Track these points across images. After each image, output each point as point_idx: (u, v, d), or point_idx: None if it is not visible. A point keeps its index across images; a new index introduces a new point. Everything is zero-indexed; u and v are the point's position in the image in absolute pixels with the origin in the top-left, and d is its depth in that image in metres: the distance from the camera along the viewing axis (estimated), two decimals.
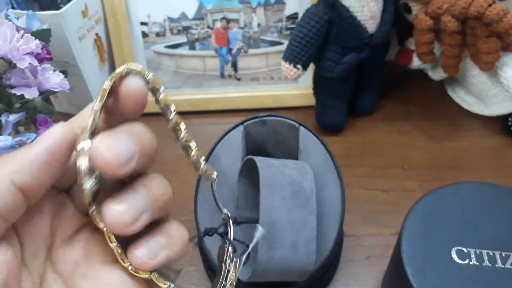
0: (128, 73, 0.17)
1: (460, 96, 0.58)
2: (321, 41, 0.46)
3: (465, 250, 0.31)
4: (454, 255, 0.31)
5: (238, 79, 0.58)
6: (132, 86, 0.17)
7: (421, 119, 0.57)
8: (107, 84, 0.17)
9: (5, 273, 0.16)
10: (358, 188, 0.48)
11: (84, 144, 0.16)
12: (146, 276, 0.18)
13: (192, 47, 0.57)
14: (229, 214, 0.21)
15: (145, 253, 0.17)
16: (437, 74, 0.56)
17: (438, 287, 0.29)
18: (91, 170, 0.16)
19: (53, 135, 0.16)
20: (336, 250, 0.40)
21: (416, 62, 0.55)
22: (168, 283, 0.18)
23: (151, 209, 0.17)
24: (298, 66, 0.46)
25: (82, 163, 0.16)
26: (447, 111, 0.58)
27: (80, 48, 0.52)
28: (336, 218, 0.37)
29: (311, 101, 0.56)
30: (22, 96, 0.29)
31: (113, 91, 0.17)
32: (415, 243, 0.31)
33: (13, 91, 0.27)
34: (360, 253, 0.42)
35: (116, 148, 0.16)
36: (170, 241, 0.18)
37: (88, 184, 0.16)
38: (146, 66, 0.58)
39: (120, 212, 0.16)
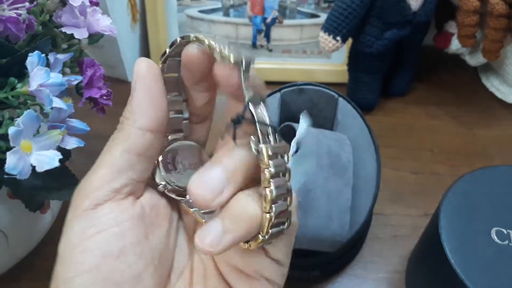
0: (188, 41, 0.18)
1: (494, 85, 0.57)
2: (364, 13, 0.45)
3: (505, 231, 0.30)
4: (493, 235, 0.30)
5: (270, 50, 0.57)
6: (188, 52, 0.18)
7: (453, 105, 0.56)
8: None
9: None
10: (387, 168, 0.47)
11: None
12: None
13: (227, 14, 0.56)
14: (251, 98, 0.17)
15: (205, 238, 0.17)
16: (474, 60, 0.54)
17: (476, 264, 0.29)
18: None
19: (140, 74, 0.19)
20: (366, 225, 0.39)
21: (454, 46, 0.53)
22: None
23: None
24: (338, 38, 0.45)
25: None
26: (479, 99, 0.57)
27: (114, 3, 0.51)
28: (370, 192, 0.36)
29: (342, 78, 0.55)
30: (69, 37, 0.28)
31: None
32: (454, 220, 0.31)
33: (63, 29, 0.26)
34: (387, 231, 0.42)
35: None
36: (231, 220, 0.17)
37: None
38: (178, 30, 0.57)
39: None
